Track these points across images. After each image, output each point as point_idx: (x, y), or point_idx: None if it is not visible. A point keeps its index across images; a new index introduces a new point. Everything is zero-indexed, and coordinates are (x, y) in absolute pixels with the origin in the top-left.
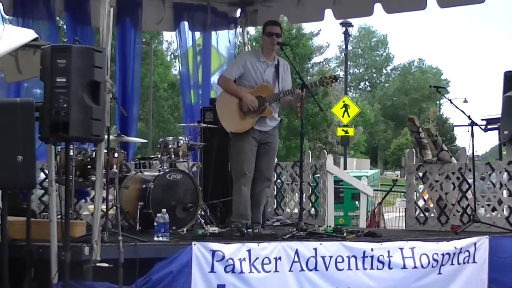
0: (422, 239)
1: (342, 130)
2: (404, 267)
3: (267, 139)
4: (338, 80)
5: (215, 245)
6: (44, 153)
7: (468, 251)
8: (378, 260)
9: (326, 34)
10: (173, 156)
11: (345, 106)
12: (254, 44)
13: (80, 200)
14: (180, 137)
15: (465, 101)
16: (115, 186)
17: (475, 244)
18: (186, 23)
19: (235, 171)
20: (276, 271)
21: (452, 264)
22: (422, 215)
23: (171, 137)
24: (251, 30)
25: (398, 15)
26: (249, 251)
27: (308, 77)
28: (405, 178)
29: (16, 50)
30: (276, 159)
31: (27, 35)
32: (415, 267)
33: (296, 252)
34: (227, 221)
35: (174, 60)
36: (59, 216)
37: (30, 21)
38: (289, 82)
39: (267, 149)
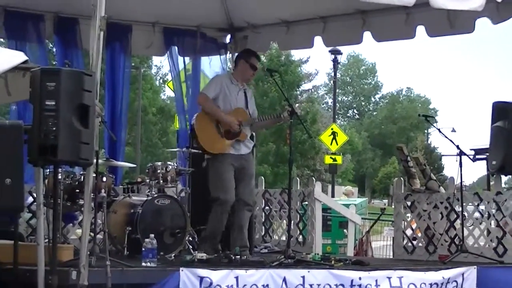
0: (410, 268)
1: (330, 157)
2: None
3: (243, 164)
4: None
5: (203, 271)
6: (32, 176)
7: (456, 281)
8: None
9: (315, 62)
10: (161, 181)
11: (334, 134)
12: None
13: (67, 224)
14: (169, 162)
15: (453, 130)
16: (103, 210)
17: (463, 274)
18: (176, 48)
19: (213, 191)
20: None
21: None
22: (410, 244)
23: (160, 162)
24: None
25: (387, 43)
26: (236, 277)
27: (297, 104)
28: (393, 206)
29: (6, 72)
30: (263, 186)
31: (17, 57)
32: None
33: (284, 280)
34: (201, 239)
35: (163, 85)
36: (47, 240)
37: (19, 43)
38: (255, 110)
39: (242, 175)
